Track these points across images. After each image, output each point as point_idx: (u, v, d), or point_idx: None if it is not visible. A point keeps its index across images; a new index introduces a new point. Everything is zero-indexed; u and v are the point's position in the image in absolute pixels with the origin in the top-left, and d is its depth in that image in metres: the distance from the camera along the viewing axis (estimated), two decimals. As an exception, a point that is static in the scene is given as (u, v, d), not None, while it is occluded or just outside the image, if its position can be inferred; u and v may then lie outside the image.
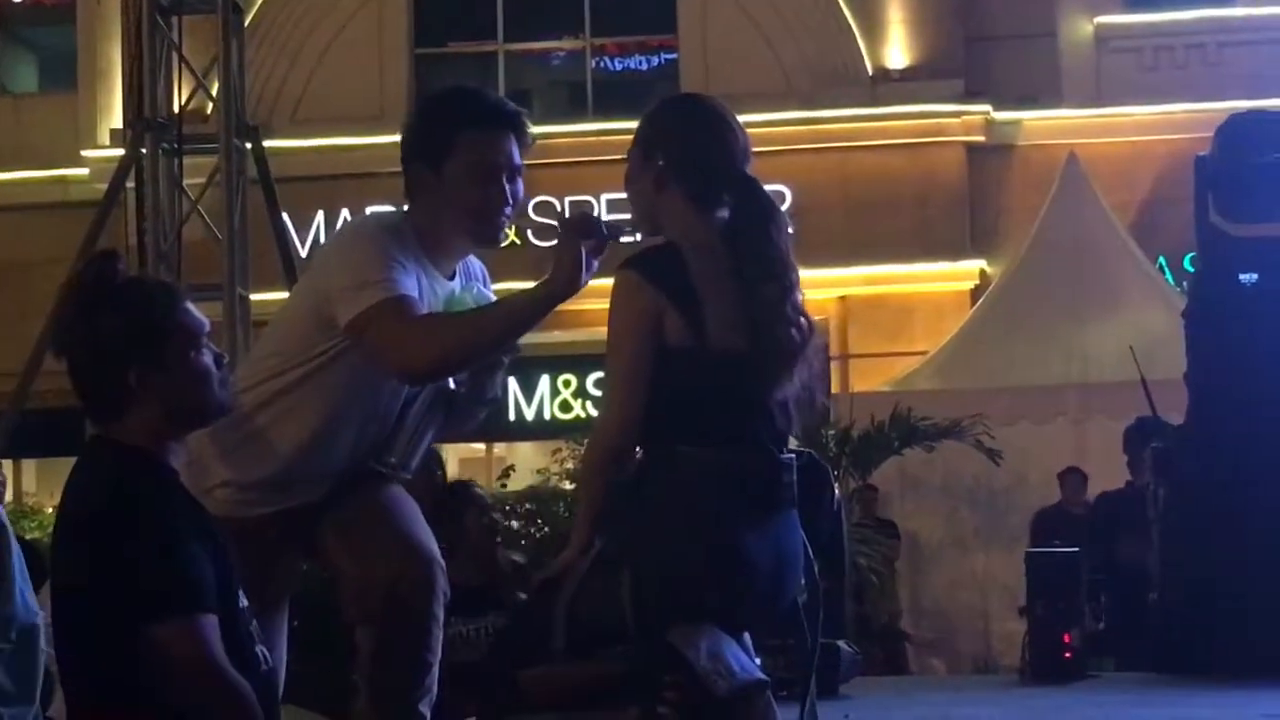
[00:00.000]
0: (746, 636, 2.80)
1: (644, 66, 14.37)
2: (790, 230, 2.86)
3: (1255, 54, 13.16)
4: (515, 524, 9.66)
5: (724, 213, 2.77)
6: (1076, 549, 6.11)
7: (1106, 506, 8.21)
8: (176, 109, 11.02)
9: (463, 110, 2.92)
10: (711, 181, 2.76)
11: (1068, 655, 4.53)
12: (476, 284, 3.09)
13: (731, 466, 2.71)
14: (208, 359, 2.44)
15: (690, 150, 2.80)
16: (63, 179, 13.67)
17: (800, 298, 2.78)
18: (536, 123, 12.63)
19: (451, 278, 3.00)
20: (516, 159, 2.89)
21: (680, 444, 2.70)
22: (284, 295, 7.44)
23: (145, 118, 10.89)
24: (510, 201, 2.90)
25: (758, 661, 2.82)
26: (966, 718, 3.53)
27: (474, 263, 3.19)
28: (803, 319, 2.76)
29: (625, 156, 2.95)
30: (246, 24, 11.64)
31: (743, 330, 2.70)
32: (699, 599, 2.66)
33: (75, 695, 2.41)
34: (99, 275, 2.52)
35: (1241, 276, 5.23)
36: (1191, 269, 8.99)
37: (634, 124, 2.96)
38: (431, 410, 3.05)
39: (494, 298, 3.04)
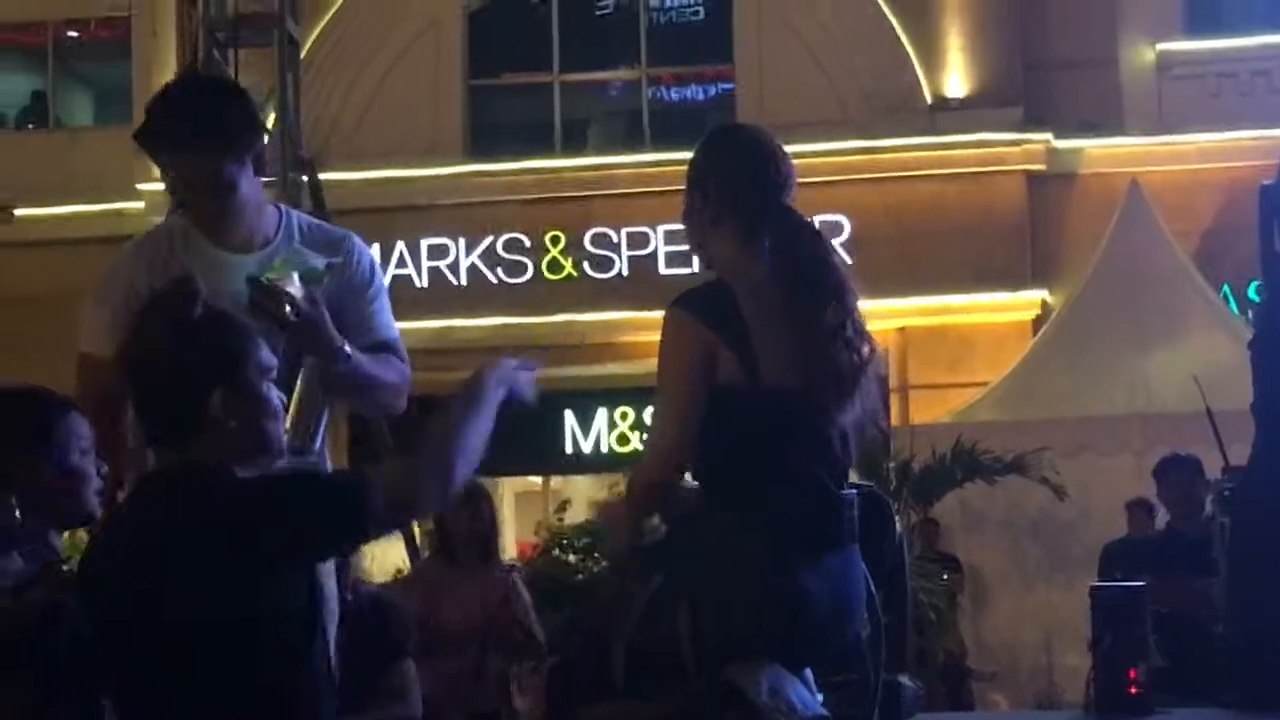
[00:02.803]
0: (808, 672, 2.75)
1: (700, 97, 14.15)
2: (840, 254, 2.81)
3: None
4: (572, 558, 9.85)
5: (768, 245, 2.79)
6: (1143, 583, 5.77)
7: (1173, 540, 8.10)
8: None
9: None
10: (751, 215, 2.74)
11: (1133, 690, 4.33)
12: (296, 247, 3.04)
13: (785, 506, 2.68)
14: (275, 395, 2.46)
15: (730, 185, 2.77)
16: (118, 212, 13.48)
17: (861, 319, 2.73)
18: (592, 154, 12.44)
19: (261, 247, 3.00)
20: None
21: (736, 481, 2.70)
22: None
23: None
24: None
25: (819, 698, 2.78)
26: None
27: (303, 221, 3.15)
28: (864, 343, 2.72)
29: (682, 188, 2.92)
30: (302, 56, 11.56)
31: (796, 367, 2.67)
32: (756, 636, 2.65)
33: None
34: (181, 299, 2.56)
35: None
36: (1256, 298, 9.07)
37: (689, 155, 2.91)
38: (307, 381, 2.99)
39: (320, 263, 2.96)
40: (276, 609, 2.30)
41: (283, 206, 3.40)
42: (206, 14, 11.03)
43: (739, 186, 2.77)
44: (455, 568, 5.63)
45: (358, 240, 3.27)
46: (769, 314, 2.70)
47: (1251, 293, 10.76)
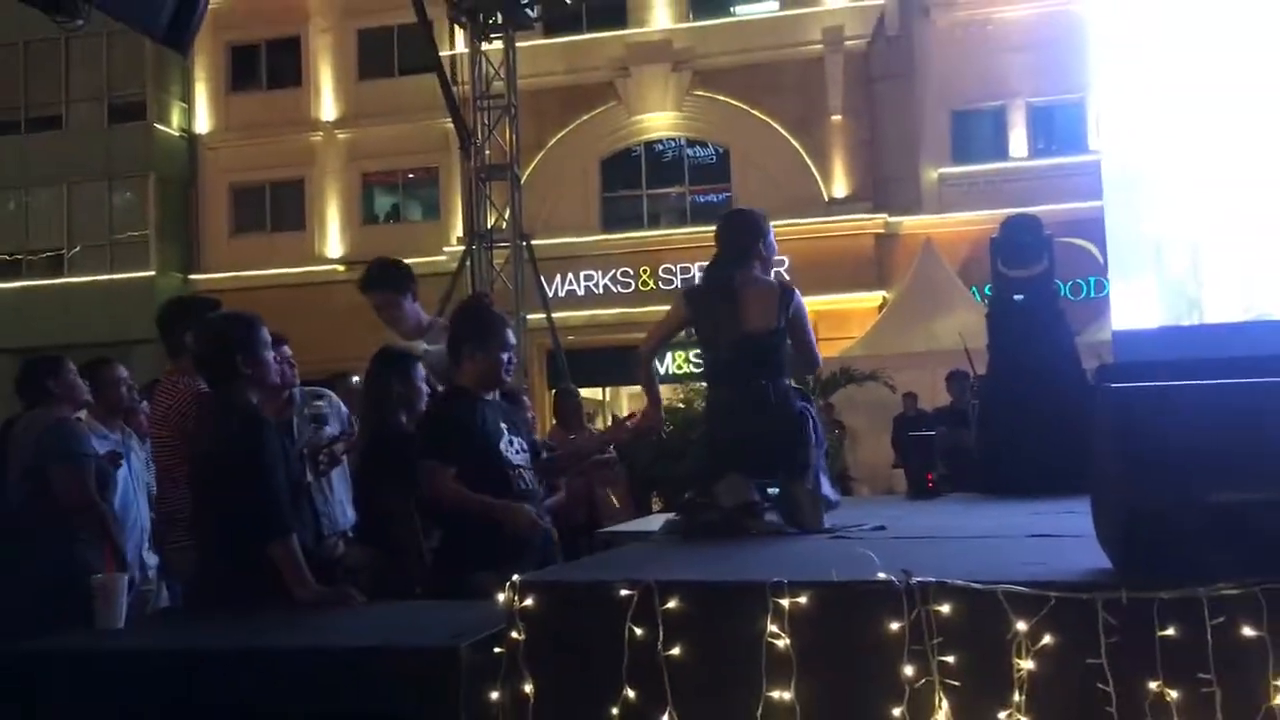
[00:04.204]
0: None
1: (715, 199, 20.31)
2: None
3: (1027, 187, 17.93)
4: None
5: None
6: (933, 433, 7.06)
7: (945, 412, 10.49)
8: (489, 226, 16.27)
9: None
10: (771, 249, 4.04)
11: (930, 485, 5.63)
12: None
13: (741, 389, 3.84)
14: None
15: (769, 236, 4.07)
16: (433, 262, 18.10)
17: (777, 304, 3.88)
18: (662, 229, 24.03)
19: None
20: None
21: (715, 379, 3.98)
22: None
23: (474, 231, 16.29)
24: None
25: (768, 493, 3.75)
26: (892, 513, 4.29)
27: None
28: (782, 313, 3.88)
29: (703, 247, 4.42)
30: (523, 182, 16.73)
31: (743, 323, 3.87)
32: (721, 457, 3.78)
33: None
34: (481, 302, 4.13)
35: (1014, 297, 6.31)
36: (989, 293, 9.90)
37: (713, 228, 4.14)
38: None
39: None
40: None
41: None
42: (476, 164, 16.17)
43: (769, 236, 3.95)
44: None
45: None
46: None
47: (986, 291, 12.94)
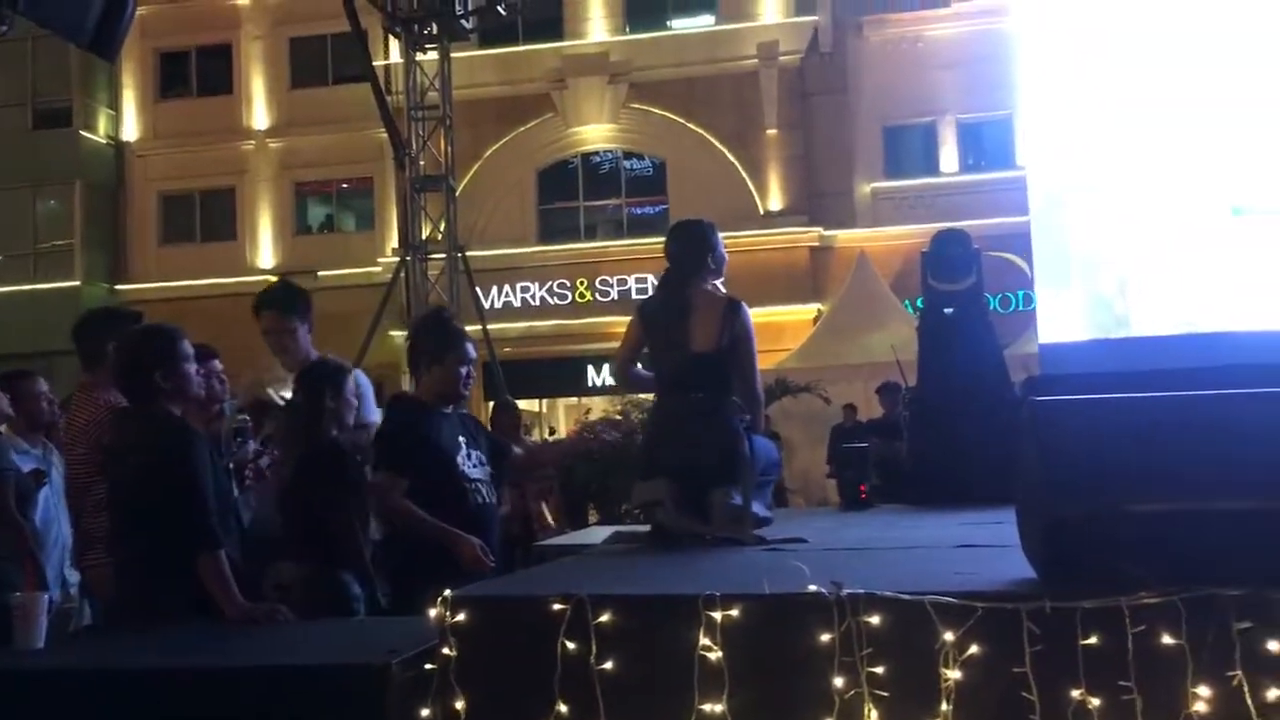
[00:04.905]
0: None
1: (651, 210, 20.69)
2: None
3: (958, 201, 18.30)
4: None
5: None
6: (867, 444, 7.00)
7: (878, 424, 10.65)
8: (424, 237, 16.69)
9: None
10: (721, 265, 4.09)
11: (863, 496, 5.68)
12: None
13: (677, 401, 3.91)
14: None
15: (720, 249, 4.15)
16: (368, 273, 19.25)
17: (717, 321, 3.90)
18: (599, 241, 24.39)
19: None
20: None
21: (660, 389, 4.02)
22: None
23: (409, 242, 16.71)
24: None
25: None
26: (824, 524, 4.39)
27: None
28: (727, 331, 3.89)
29: (646, 259, 6.64)
30: (458, 193, 17.38)
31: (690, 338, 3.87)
32: (660, 467, 3.86)
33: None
34: (441, 315, 3.99)
35: (944, 310, 6.44)
36: (920, 306, 9.42)
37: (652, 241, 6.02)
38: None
39: None
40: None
41: None
42: (410, 176, 16.53)
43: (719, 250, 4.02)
44: None
45: None
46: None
47: (918, 304, 12.47)
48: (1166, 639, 2.20)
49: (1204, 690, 2.20)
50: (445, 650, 2.47)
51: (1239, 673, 2.19)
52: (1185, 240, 8.50)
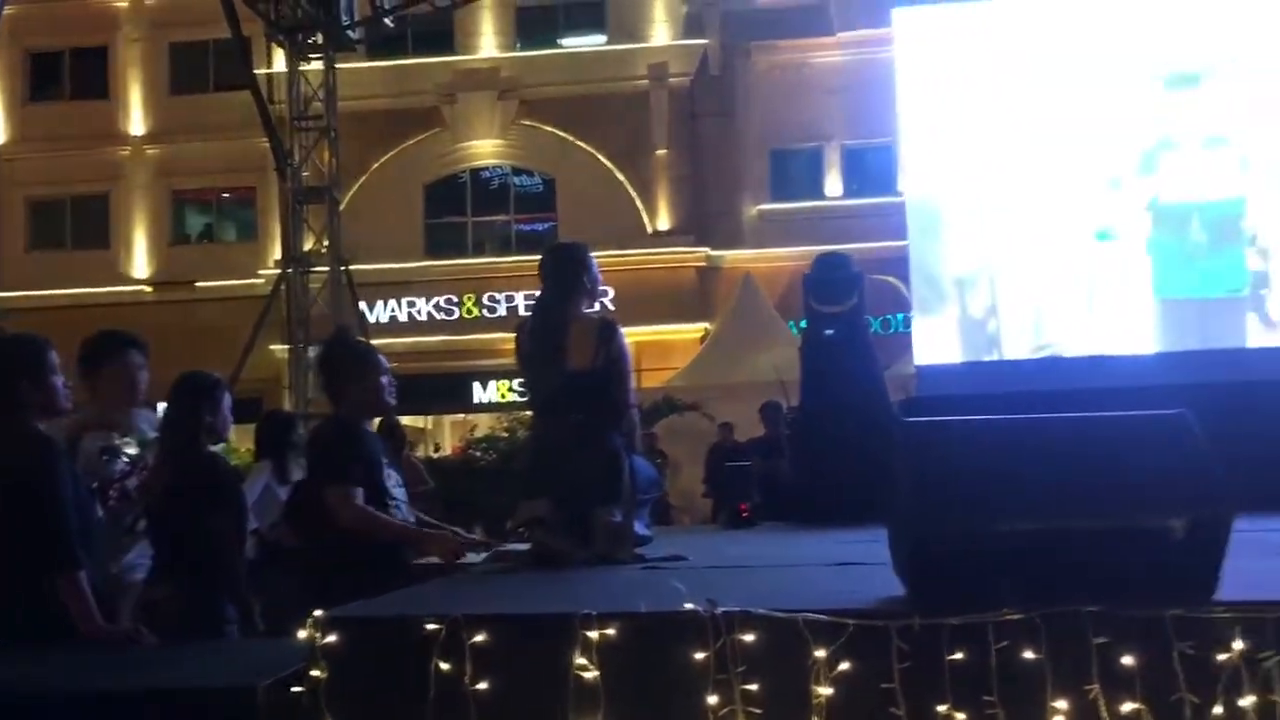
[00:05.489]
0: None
1: (540, 227, 20.84)
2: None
3: (841, 225, 18.51)
4: (478, 453, 14.44)
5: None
6: (749, 462, 7.31)
7: (761, 443, 10.66)
8: (306, 249, 16.47)
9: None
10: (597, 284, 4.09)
11: (744, 515, 5.71)
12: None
13: (554, 425, 3.95)
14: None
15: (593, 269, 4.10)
16: (249, 285, 18.90)
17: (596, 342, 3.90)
18: (487, 256, 24.28)
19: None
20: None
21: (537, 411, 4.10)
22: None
23: (291, 255, 16.51)
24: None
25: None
26: (705, 543, 4.46)
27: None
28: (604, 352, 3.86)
29: (528, 276, 4.40)
30: (342, 208, 17.19)
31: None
32: (539, 486, 3.91)
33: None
34: (343, 337, 4.03)
35: (826, 331, 6.57)
36: (804, 325, 9.25)
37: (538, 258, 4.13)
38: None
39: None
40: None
41: None
42: (292, 187, 16.29)
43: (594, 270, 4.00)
44: None
45: None
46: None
47: (802, 325, 9.93)
48: (1028, 654, 2.26)
49: (1062, 704, 2.27)
50: (315, 672, 2.42)
51: (1096, 686, 2.26)
52: (1048, 265, 9.01)
